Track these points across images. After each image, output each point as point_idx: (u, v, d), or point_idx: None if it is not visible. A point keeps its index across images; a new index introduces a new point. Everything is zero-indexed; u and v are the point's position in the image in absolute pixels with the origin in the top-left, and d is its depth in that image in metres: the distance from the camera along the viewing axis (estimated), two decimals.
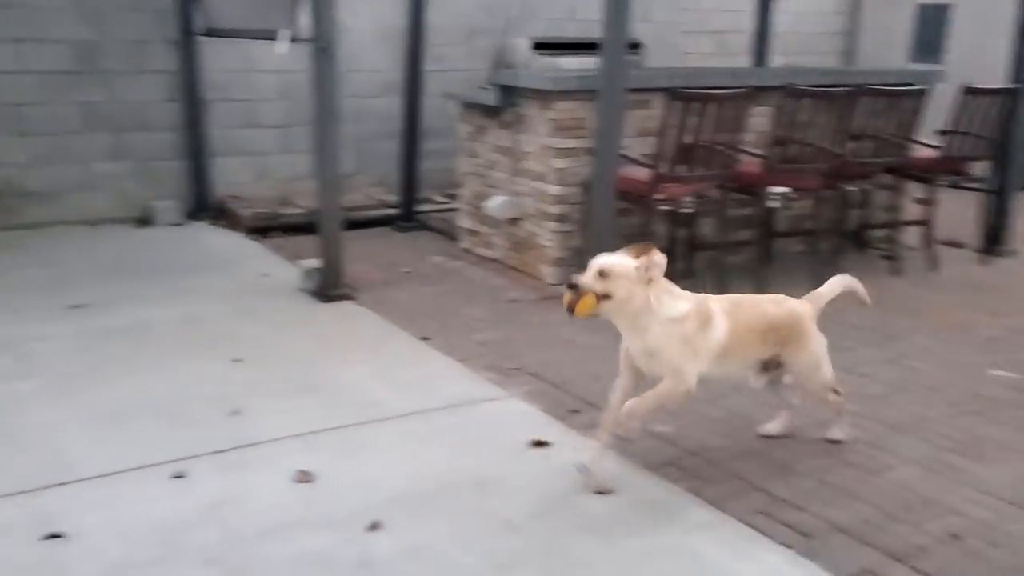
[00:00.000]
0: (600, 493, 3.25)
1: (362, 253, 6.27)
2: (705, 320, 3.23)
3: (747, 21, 8.45)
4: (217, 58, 7.44)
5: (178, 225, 7.30)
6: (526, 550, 2.92)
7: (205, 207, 7.53)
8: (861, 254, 6.73)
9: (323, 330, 4.97)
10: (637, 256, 3.10)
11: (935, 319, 5.40)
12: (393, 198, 7.72)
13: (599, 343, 4.42)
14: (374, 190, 8.10)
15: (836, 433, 3.75)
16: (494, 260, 6.41)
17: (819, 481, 3.42)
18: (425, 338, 4.81)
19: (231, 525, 3.02)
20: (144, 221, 7.29)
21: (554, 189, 5.73)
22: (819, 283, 5.91)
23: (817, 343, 3.58)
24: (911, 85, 6.21)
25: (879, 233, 6.85)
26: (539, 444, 3.59)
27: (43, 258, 6.26)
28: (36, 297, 5.35)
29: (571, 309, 3.07)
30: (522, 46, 8.03)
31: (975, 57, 9.15)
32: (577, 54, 7.17)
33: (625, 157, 5.38)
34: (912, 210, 6.75)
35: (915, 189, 6.68)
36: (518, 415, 3.94)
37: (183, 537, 2.95)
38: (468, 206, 6.70)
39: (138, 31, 7.19)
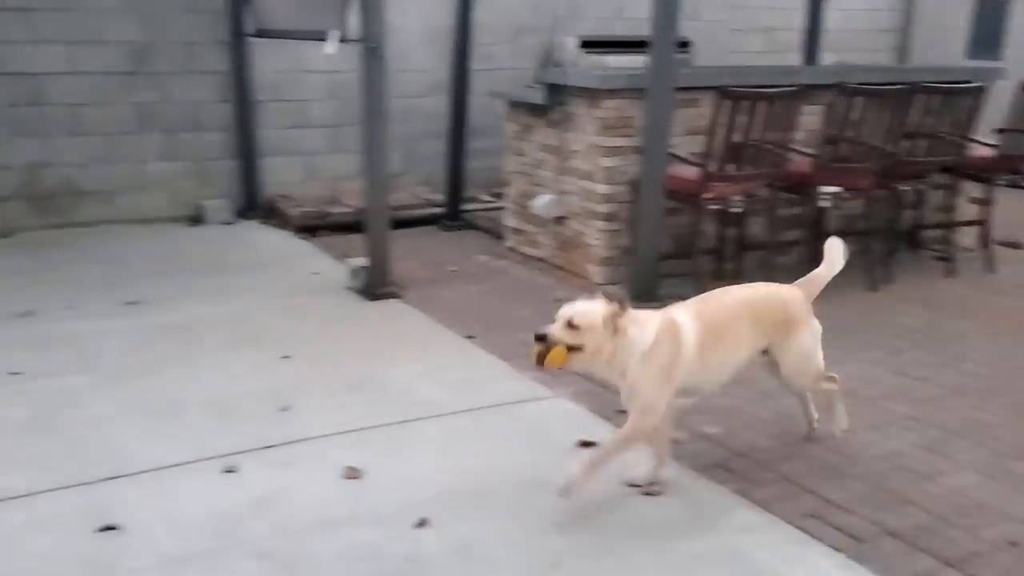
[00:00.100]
0: (648, 495, 3.23)
1: (408, 252, 6.31)
2: (673, 335, 3.09)
3: (797, 18, 8.34)
4: (267, 59, 7.54)
5: (229, 224, 7.40)
6: (574, 550, 2.91)
7: (255, 206, 7.63)
8: (914, 255, 6.62)
9: (370, 328, 5.00)
10: (607, 303, 2.98)
11: (991, 321, 5.28)
12: (439, 197, 7.75)
13: None
14: (420, 189, 8.14)
15: (841, 423, 3.65)
16: (540, 259, 6.41)
17: (871, 485, 3.36)
18: (471, 337, 4.82)
19: (281, 519, 3.05)
20: (196, 220, 7.41)
21: (602, 188, 5.71)
22: (871, 284, 5.86)
23: (810, 330, 3.44)
24: (968, 82, 6.08)
25: (933, 234, 6.71)
26: (586, 444, 3.57)
27: (99, 255, 6.39)
28: (93, 293, 5.46)
29: (540, 362, 2.94)
30: (570, 44, 8.01)
31: None
32: (625, 52, 7.13)
33: (674, 156, 5.34)
34: (968, 210, 6.60)
35: (971, 189, 6.54)
36: (565, 415, 3.93)
37: (234, 530, 2.99)
38: (514, 205, 6.71)
39: (191, 32, 7.31)
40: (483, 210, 7.73)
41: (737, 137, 5.25)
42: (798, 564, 2.87)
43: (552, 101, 6.01)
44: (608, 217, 5.74)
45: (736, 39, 9.63)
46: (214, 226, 7.33)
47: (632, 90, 5.50)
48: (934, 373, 4.46)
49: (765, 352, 3.43)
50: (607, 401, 4.03)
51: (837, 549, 2.94)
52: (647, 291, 5.24)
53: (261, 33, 7.18)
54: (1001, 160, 6.26)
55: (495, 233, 7.07)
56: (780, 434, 3.77)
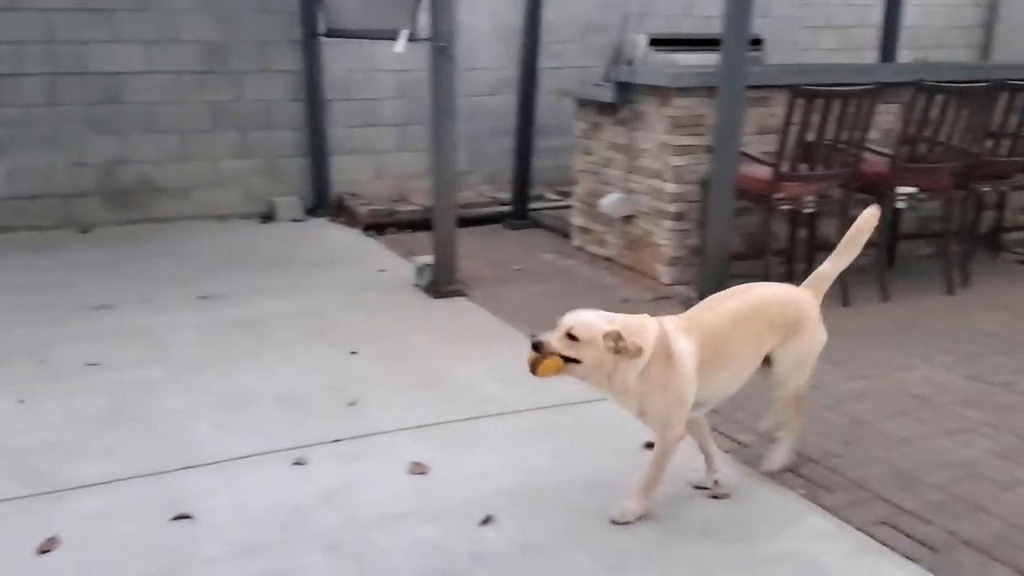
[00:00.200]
0: (716, 498, 3.19)
1: (474, 250, 6.33)
2: (666, 356, 2.91)
3: (874, 15, 8.16)
4: (338, 58, 7.64)
5: (298, 221, 7.53)
6: (639, 551, 2.89)
7: (324, 203, 7.74)
8: (994, 258, 6.42)
9: (436, 325, 5.04)
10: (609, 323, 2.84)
11: None
12: (505, 195, 7.76)
13: None
14: (486, 187, 8.18)
15: (778, 459, 3.34)
16: (607, 258, 6.38)
17: (947, 493, 3.27)
18: None
19: (349, 512, 3.09)
20: (267, 217, 7.55)
21: (671, 187, 5.66)
22: (947, 287, 5.70)
23: (815, 336, 3.20)
24: None
25: (1015, 236, 6.50)
26: (651, 446, 3.53)
27: (174, 251, 6.55)
28: (167, 288, 5.60)
29: (534, 369, 2.83)
30: (640, 42, 7.95)
31: None
32: (695, 50, 7.05)
33: (745, 155, 5.26)
34: None
35: None
36: (630, 416, 3.89)
37: (303, 522, 3.03)
38: (581, 204, 6.68)
39: (264, 32, 7.45)
40: (549, 209, 7.72)
41: (810, 136, 5.16)
42: (870, 572, 2.81)
43: (621, 99, 5.98)
44: (677, 216, 5.69)
45: (809, 36, 9.46)
46: (284, 223, 7.46)
47: (703, 88, 5.44)
48: (1013, 379, 4.32)
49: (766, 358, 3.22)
50: None
51: (911, 558, 2.87)
52: (716, 292, 5.16)
53: (332, 33, 7.29)
54: None
55: (561, 232, 7.06)
56: (853, 439, 3.69)
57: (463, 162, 7.40)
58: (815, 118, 5.11)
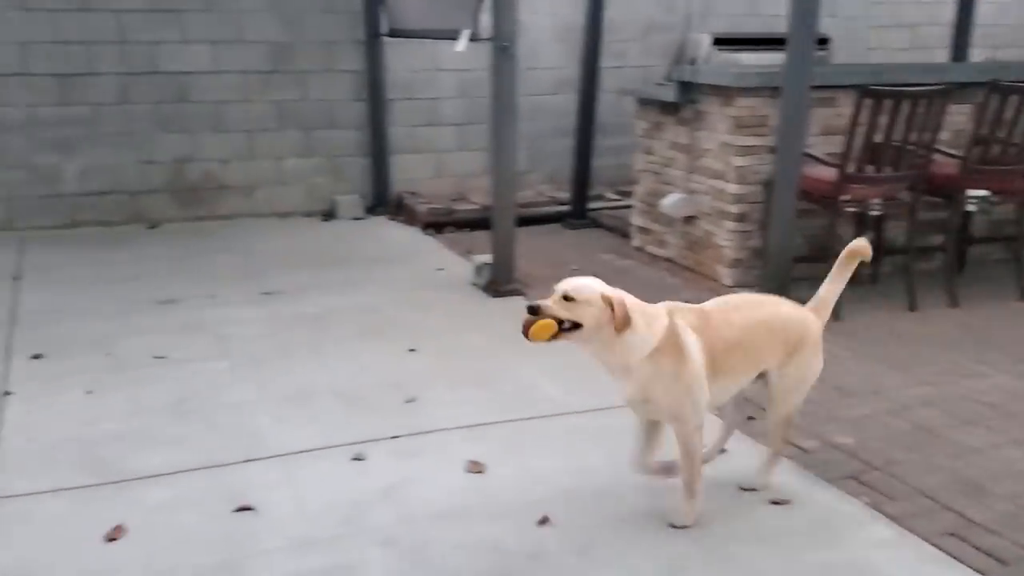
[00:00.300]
0: (775, 503, 3.14)
1: (532, 249, 6.32)
2: (678, 346, 2.84)
3: (945, 13, 7.95)
4: (401, 58, 7.70)
5: (358, 219, 7.61)
6: (696, 555, 2.85)
7: (384, 202, 7.81)
8: None
9: (494, 324, 5.04)
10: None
11: None
12: (564, 195, 7.74)
13: None
14: (545, 187, 8.17)
15: (762, 478, 3.22)
16: (667, 259, 6.33)
17: (1017, 504, 3.17)
18: None
19: (406, 509, 3.11)
20: (328, 215, 7.64)
21: (733, 187, 5.59)
22: (1020, 294, 5.54)
23: (815, 362, 3.11)
24: None
25: None
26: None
27: (237, 247, 6.67)
28: (231, 283, 5.71)
29: (526, 333, 2.74)
30: (703, 42, 7.86)
31: None
32: (760, 50, 6.96)
33: (809, 156, 5.17)
34: None
35: None
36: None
37: (361, 517, 3.06)
38: (642, 204, 6.64)
39: (328, 32, 7.54)
40: (609, 208, 7.69)
41: (878, 137, 5.05)
42: None
43: (684, 99, 5.93)
44: (739, 218, 5.62)
45: (877, 35, 9.27)
46: (345, 221, 7.55)
47: (766, 88, 5.36)
48: None
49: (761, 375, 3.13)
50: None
51: (979, 571, 2.79)
52: (779, 295, 5.09)
53: (395, 33, 7.35)
54: None
55: (621, 232, 7.02)
56: (917, 446, 3.61)
57: (523, 161, 7.40)
58: (883, 119, 5.00)
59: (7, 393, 4.02)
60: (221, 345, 4.66)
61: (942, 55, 8.20)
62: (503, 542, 2.91)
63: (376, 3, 7.46)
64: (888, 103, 4.97)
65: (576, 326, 2.76)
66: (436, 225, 7.28)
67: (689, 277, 5.94)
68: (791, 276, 5.24)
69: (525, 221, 6.41)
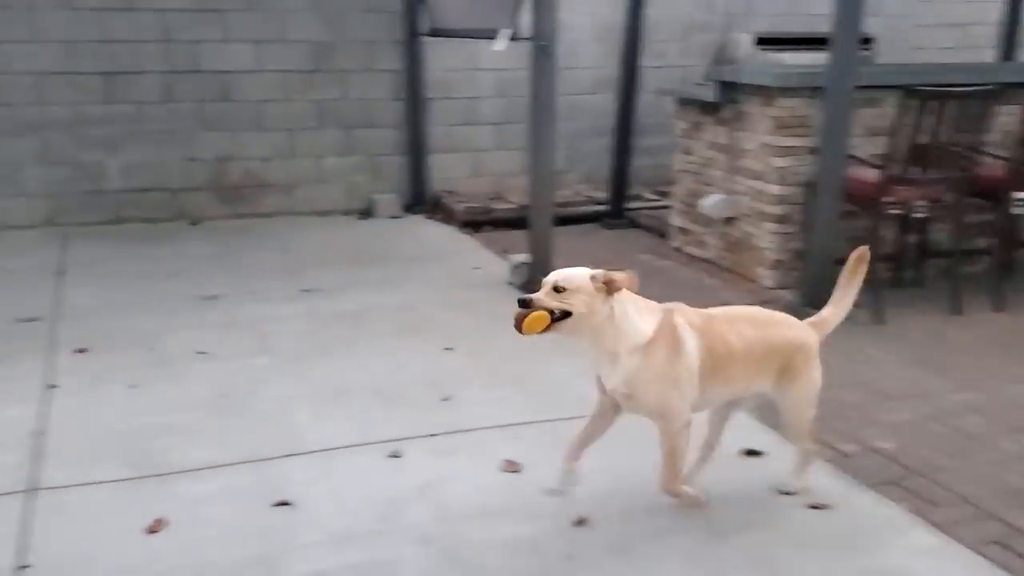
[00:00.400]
0: (815, 508, 3.10)
1: (569, 249, 6.28)
2: (674, 341, 2.85)
3: (993, 12, 7.81)
4: (440, 57, 7.72)
5: (396, 218, 7.64)
6: (735, 560, 2.83)
7: (422, 201, 7.83)
8: None
9: None
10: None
11: None
12: (602, 194, 7.72)
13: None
14: (582, 186, 8.15)
15: (796, 483, 3.18)
16: (706, 260, 6.28)
17: None
18: None
19: (443, 506, 3.11)
20: (366, 213, 7.68)
21: (774, 188, 5.54)
22: None
23: (816, 375, 3.06)
24: None
25: None
26: (751, 453, 3.47)
27: (278, 245, 6.73)
28: (272, 280, 5.76)
29: (519, 327, 2.75)
30: (744, 41, 7.81)
31: None
32: (803, 50, 6.89)
33: (852, 157, 5.11)
34: None
35: None
36: (729, 422, 3.82)
37: (398, 514, 3.07)
38: (681, 204, 6.60)
39: (369, 32, 7.58)
40: (647, 209, 7.65)
41: (923, 139, 4.96)
42: None
43: (724, 99, 5.88)
44: (780, 219, 5.56)
45: (923, 35, 9.13)
46: (383, 219, 7.58)
47: (808, 88, 5.30)
48: None
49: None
50: (772, 408, 3.90)
51: None
52: (820, 297, 5.01)
53: (435, 32, 7.37)
54: None
55: (659, 232, 6.98)
56: (961, 453, 3.55)
57: (561, 161, 7.38)
58: (928, 120, 4.92)
59: (52, 386, 4.08)
60: (262, 341, 4.70)
61: (989, 55, 8.06)
62: (539, 542, 2.91)
63: (416, 3, 7.49)
64: (933, 104, 4.89)
65: (567, 315, 2.79)
66: (473, 224, 7.29)
67: (728, 278, 5.90)
68: (833, 278, 5.18)
69: (562, 221, 6.39)
